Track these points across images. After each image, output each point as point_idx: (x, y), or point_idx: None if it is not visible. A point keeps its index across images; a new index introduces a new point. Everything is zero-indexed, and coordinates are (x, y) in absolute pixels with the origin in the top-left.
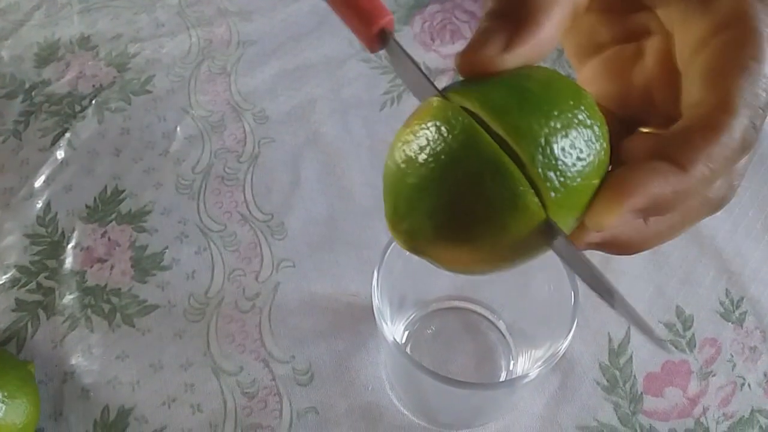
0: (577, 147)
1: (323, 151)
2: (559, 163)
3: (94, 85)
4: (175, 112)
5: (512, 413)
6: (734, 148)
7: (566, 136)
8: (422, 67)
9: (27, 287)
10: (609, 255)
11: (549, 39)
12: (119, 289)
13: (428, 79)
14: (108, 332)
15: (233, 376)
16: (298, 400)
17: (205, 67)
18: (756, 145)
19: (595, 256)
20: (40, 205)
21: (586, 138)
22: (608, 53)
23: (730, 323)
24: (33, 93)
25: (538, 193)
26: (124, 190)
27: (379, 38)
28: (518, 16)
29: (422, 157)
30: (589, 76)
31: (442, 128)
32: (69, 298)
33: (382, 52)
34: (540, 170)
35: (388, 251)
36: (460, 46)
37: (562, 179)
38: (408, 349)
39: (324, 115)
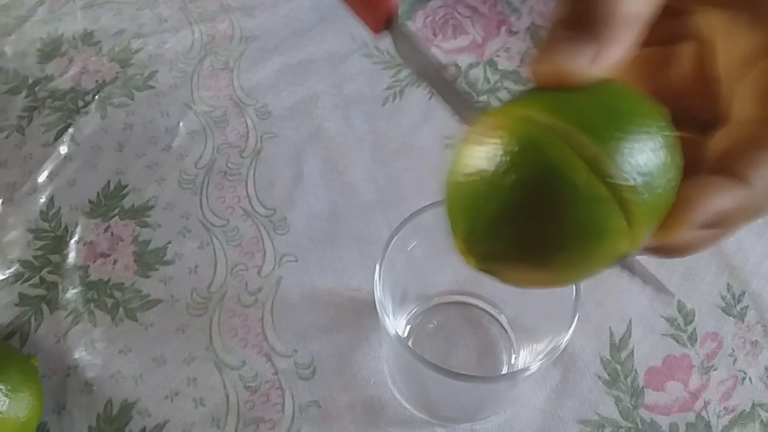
0: (663, 160)
1: (325, 146)
2: (648, 176)
3: (97, 81)
4: (177, 107)
5: (514, 407)
6: None
7: (653, 148)
8: None
9: (30, 282)
10: None
11: (629, 51)
12: (122, 283)
13: (439, 62)
14: (111, 326)
15: (236, 370)
16: (301, 394)
17: (207, 62)
18: None
19: None
20: (43, 200)
21: (668, 150)
22: (641, 55)
23: (731, 318)
24: (36, 88)
25: (624, 208)
26: (127, 185)
27: (385, 20)
28: (606, 26)
29: (508, 180)
30: (619, 77)
31: (532, 149)
32: (72, 293)
33: (385, 46)
34: (634, 184)
35: (390, 246)
36: (462, 41)
37: (650, 194)
38: (410, 344)
39: (326, 110)
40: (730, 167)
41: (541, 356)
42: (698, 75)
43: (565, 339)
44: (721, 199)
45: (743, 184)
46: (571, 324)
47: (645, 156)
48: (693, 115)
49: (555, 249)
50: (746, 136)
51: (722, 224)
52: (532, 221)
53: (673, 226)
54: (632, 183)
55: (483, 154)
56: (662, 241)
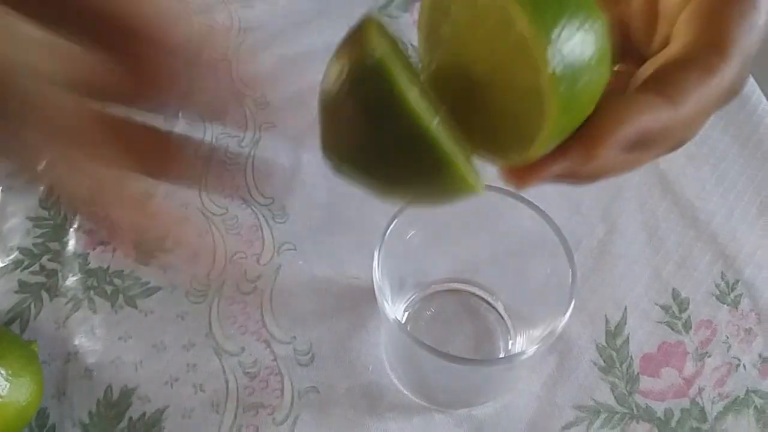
0: (591, 56)
1: None
2: (571, 68)
3: None
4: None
5: (510, 393)
6: (723, 91)
7: (583, 41)
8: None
9: (30, 269)
10: (606, 239)
11: None
12: (122, 271)
13: None
14: (111, 313)
15: (235, 356)
16: (299, 380)
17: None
18: (740, 92)
19: (593, 241)
20: (42, 188)
21: (599, 50)
22: None
23: (725, 305)
24: None
25: (544, 97)
26: None
27: None
28: None
29: (341, 98)
30: None
31: (365, 72)
32: (72, 280)
33: None
34: (553, 70)
35: (388, 232)
36: None
37: (568, 87)
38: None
39: None
40: (657, 87)
41: (537, 342)
42: (646, 11)
43: (561, 324)
44: (646, 116)
45: (670, 104)
46: (567, 310)
47: (573, 44)
48: (635, 50)
49: (386, 171)
50: (677, 58)
51: (644, 146)
52: (361, 141)
53: (594, 142)
54: (552, 70)
55: (332, 71)
56: (580, 158)
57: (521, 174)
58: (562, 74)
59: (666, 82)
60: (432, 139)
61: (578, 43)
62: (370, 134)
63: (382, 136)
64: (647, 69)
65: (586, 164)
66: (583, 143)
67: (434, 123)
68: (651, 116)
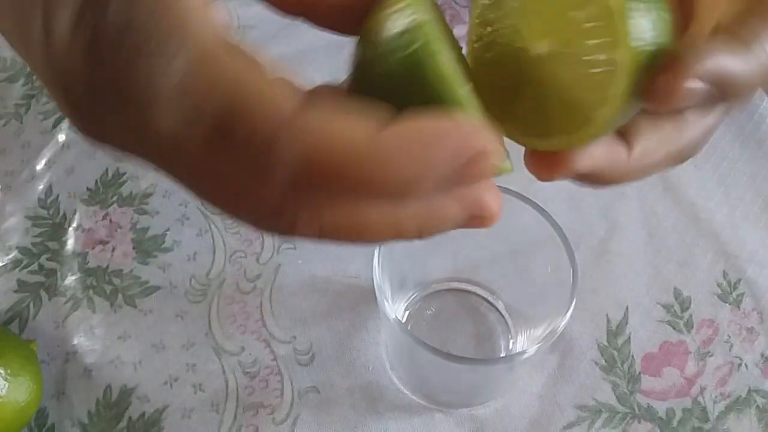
0: (663, 27)
1: None
2: (650, 41)
3: None
4: None
5: (511, 393)
6: None
7: (655, 10)
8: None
9: (29, 268)
10: (608, 238)
11: None
12: (121, 270)
13: None
14: (110, 313)
15: (235, 356)
16: (300, 380)
17: None
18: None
19: (594, 240)
20: (41, 187)
21: (667, 17)
22: None
23: (727, 304)
24: (34, 76)
25: (617, 73)
26: (125, 173)
27: None
28: None
29: (383, 55)
30: None
31: (407, 31)
32: (71, 279)
33: None
34: (633, 44)
35: None
36: (459, 30)
37: (645, 62)
38: (408, 329)
39: None
40: (729, 33)
41: (538, 341)
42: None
43: (562, 324)
44: (725, 55)
45: (746, 47)
46: (568, 309)
47: (652, 20)
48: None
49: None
50: (750, 6)
51: (721, 94)
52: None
53: (681, 72)
54: (633, 44)
55: (374, 24)
56: (662, 96)
57: (553, 161)
58: (641, 51)
59: (737, 28)
60: (458, 105)
61: (656, 20)
62: (399, 90)
63: (409, 94)
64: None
65: (665, 107)
66: (666, 77)
67: (463, 90)
68: (729, 55)
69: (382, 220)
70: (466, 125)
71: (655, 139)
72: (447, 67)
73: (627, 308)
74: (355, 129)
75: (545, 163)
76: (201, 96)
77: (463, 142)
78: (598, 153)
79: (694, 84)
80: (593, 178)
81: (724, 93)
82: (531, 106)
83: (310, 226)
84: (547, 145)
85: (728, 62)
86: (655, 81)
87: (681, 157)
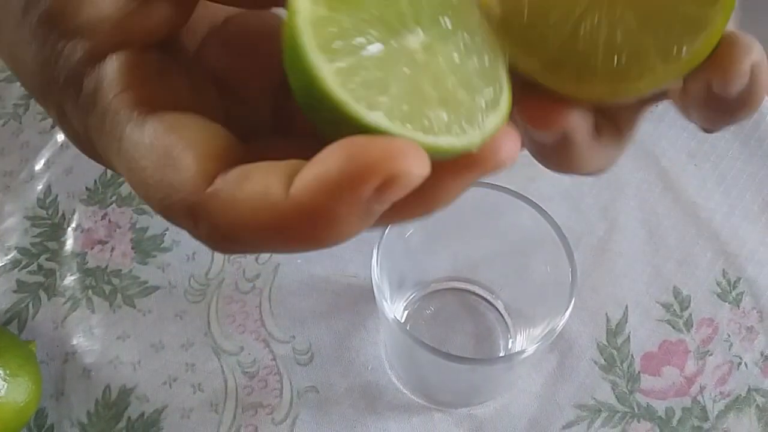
0: None
1: None
2: None
3: None
4: None
5: (510, 392)
6: None
7: None
8: None
9: (28, 269)
10: (607, 237)
11: None
12: (120, 270)
13: None
14: (109, 313)
15: (234, 356)
16: (299, 380)
17: None
18: None
19: (593, 239)
20: (40, 187)
21: None
22: None
23: (726, 303)
24: None
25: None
26: None
27: None
28: None
29: None
30: None
31: None
32: (70, 280)
33: None
34: None
35: (387, 230)
36: None
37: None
38: (407, 329)
39: None
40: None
41: (537, 340)
42: None
43: (561, 323)
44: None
45: None
46: (567, 308)
47: None
48: None
49: None
50: None
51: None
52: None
53: (732, 60)
54: None
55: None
56: (721, 75)
57: (555, 108)
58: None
59: None
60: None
61: None
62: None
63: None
64: None
65: (726, 87)
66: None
67: (347, 99)
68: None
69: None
70: (366, 156)
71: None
72: (322, 77)
73: (626, 307)
74: (265, 196)
75: (547, 108)
76: None
77: (369, 179)
78: (586, 119)
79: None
80: (562, 151)
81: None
82: (586, 43)
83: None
84: (581, 92)
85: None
86: (729, 51)
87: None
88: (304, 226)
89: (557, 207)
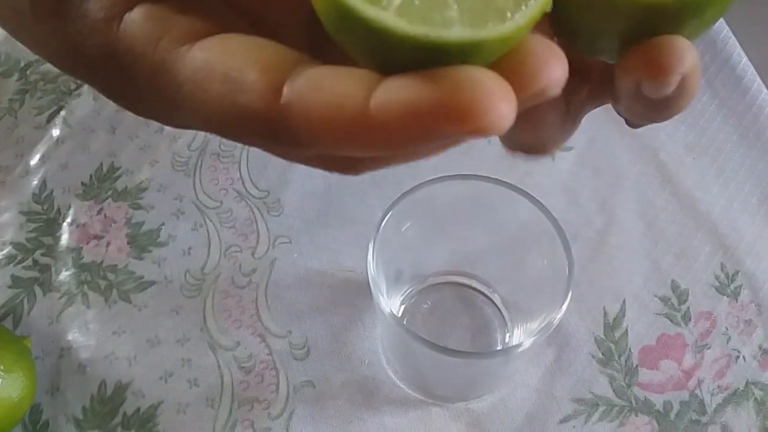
0: None
1: None
2: None
3: None
4: None
5: (508, 386)
6: None
7: None
8: None
9: (23, 264)
10: (605, 230)
11: None
12: (115, 265)
13: None
14: (104, 308)
15: (230, 351)
16: (295, 374)
17: None
18: None
19: (591, 232)
20: (35, 182)
21: None
22: None
23: (725, 297)
24: (28, 71)
25: None
26: (119, 168)
27: None
28: None
29: None
30: None
31: None
32: (65, 275)
33: None
34: None
35: (383, 224)
36: None
37: None
38: (404, 323)
39: None
40: None
41: (534, 334)
42: None
43: (558, 316)
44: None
45: None
46: (564, 301)
47: None
48: None
49: None
50: None
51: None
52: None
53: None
54: None
55: None
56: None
57: None
58: None
59: None
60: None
61: None
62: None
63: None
64: None
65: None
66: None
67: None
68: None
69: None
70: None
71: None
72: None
73: (624, 301)
74: (345, 101)
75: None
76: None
77: (456, 125)
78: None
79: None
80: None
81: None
82: None
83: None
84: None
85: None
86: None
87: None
88: (381, 140)
89: (555, 200)
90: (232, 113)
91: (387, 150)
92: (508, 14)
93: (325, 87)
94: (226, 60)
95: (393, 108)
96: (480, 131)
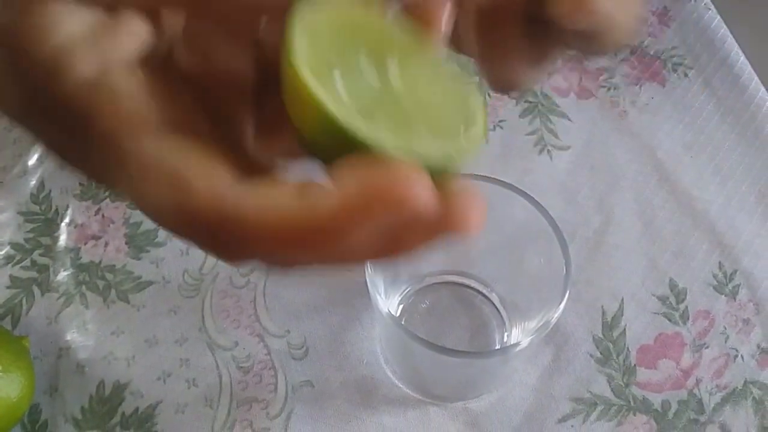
0: None
1: None
2: None
3: None
4: None
5: (506, 385)
6: None
7: None
8: None
9: (21, 264)
10: (602, 229)
11: None
12: (114, 265)
13: None
14: (103, 308)
15: (228, 350)
16: (294, 374)
17: None
18: None
19: (589, 231)
20: (33, 182)
21: None
22: None
23: (723, 296)
24: None
25: None
26: None
27: None
28: None
29: None
30: None
31: None
32: (63, 275)
33: None
34: None
35: None
36: None
37: None
38: (402, 323)
39: None
40: None
41: (532, 333)
42: None
43: (556, 315)
44: None
45: None
46: (562, 300)
47: None
48: None
49: None
50: None
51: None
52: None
53: None
54: None
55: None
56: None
57: None
58: None
59: None
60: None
61: None
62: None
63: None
64: None
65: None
66: None
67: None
68: None
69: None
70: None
71: None
72: (315, 89)
73: (622, 300)
74: (276, 208)
75: None
76: None
77: (383, 205)
78: None
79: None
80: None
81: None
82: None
83: (261, 265)
84: None
85: None
86: None
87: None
88: (317, 239)
89: (553, 199)
90: (173, 207)
91: (324, 250)
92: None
93: (262, 191)
94: (178, 161)
95: (324, 202)
96: (404, 206)
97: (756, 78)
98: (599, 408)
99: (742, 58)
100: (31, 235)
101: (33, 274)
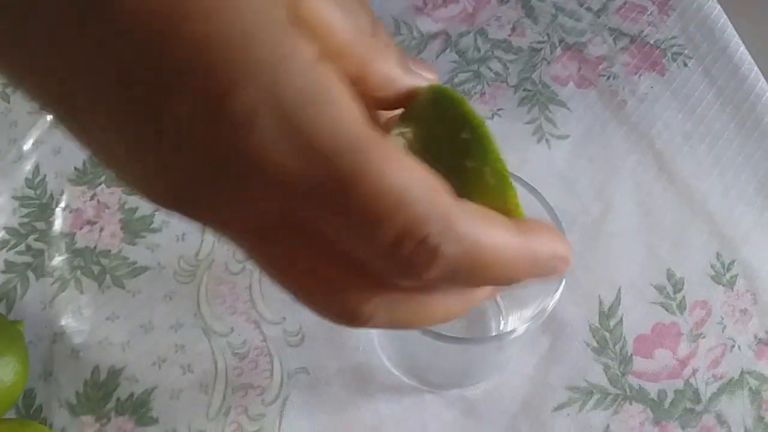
0: None
1: None
2: None
3: None
4: None
5: (502, 374)
6: None
7: None
8: (414, 31)
9: (16, 249)
10: (601, 218)
11: None
12: (109, 250)
13: None
14: (98, 293)
15: (224, 337)
16: (289, 361)
17: None
18: None
19: (587, 220)
20: (29, 167)
21: None
22: None
23: (720, 286)
24: None
25: None
26: None
27: None
28: None
29: None
30: None
31: None
32: (58, 260)
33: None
34: None
35: None
36: (452, 10)
37: None
38: None
39: None
40: None
41: (528, 320)
42: None
43: (552, 302)
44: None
45: None
46: (558, 287)
47: None
48: None
49: None
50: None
51: None
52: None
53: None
54: None
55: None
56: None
57: None
58: None
59: None
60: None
61: None
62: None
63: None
64: None
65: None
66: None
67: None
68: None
69: (447, 307)
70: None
71: None
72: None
73: (620, 289)
74: (501, 236)
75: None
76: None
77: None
78: None
79: None
80: None
81: None
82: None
83: (380, 322)
84: None
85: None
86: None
87: None
88: (514, 273)
89: (551, 188)
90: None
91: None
92: None
93: (489, 230)
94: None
95: (536, 250)
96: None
97: (756, 68)
98: (595, 397)
99: (742, 47)
100: (26, 220)
101: (28, 258)
